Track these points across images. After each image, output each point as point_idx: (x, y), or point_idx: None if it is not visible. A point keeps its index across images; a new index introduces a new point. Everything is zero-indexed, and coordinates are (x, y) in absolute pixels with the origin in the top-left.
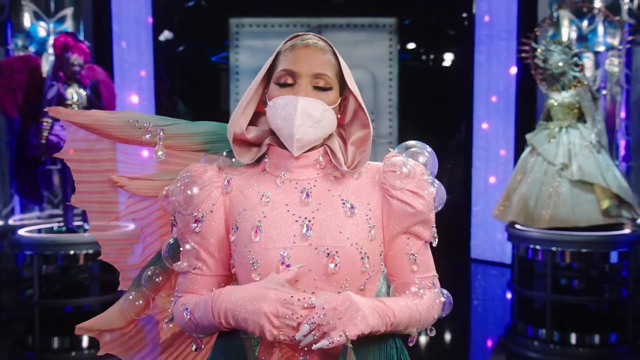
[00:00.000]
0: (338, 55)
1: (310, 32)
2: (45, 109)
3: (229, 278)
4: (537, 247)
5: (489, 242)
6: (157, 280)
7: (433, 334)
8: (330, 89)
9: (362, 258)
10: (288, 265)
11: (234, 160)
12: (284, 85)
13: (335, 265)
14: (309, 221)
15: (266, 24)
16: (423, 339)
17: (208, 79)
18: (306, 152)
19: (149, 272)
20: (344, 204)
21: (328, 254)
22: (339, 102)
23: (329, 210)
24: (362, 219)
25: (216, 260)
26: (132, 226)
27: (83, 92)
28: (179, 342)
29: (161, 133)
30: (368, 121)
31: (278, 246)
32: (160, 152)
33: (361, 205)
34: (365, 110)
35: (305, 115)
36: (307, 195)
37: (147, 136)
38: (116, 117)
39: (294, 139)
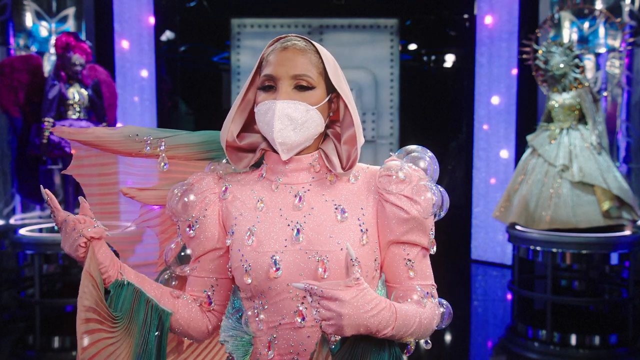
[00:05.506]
0: (321, 53)
1: (292, 34)
2: (50, 129)
3: (229, 281)
4: (538, 248)
5: (490, 243)
6: (173, 283)
7: (429, 347)
8: (312, 88)
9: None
10: (278, 269)
11: (233, 168)
12: (266, 90)
13: (325, 270)
14: (300, 225)
15: (267, 25)
16: (421, 340)
17: (209, 79)
18: (299, 155)
19: (165, 276)
20: (336, 208)
21: (318, 258)
22: (325, 100)
23: (320, 215)
24: (354, 224)
25: (210, 263)
26: (132, 227)
27: (84, 92)
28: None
29: (162, 145)
30: (352, 119)
31: (269, 250)
32: (162, 164)
33: (354, 210)
34: (351, 108)
35: (285, 119)
36: (300, 199)
37: (148, 149)
38: (116, 133)
39: (276, 143)
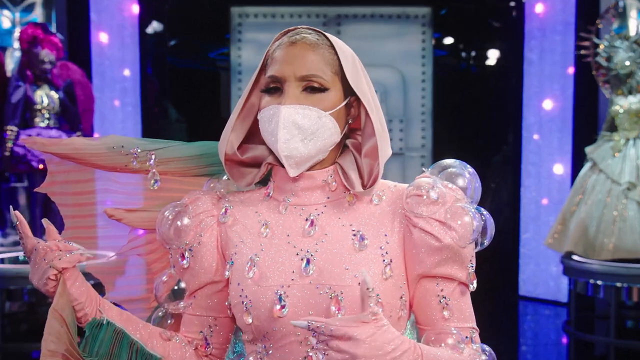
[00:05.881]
0: (337, 48)
1: (302, 26)
2: (21, 140)
3: (229, 320)
4: (599, 282)
5: (541, 276)
6: (169, 322)
7: None
8: (325, 90)
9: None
10: (283, 307)
11: (236, 185)
12: (271, 92)
13: (339, 308)
14: (311, 254)
15: (274, 14)
16: None
17: (205, 79)
18: (311, 171)
19: (159, 313)
20: (354, 235)
21: (331, 294)
22: (342, 105)
23: (335, 243)
24: (375, 254)
25: (208, 299)
26: (112, 257)
27: (55, 95)
28: None
29: (152, 159)
30: (373, 128)
31: (273, 284)
32: (152, 181)
33: (375, 237)
34: (372, 114)
35: (292, 127)
36: (312, 223)
37: (135, 163)
38: (98, 144)
39: (282, 156)
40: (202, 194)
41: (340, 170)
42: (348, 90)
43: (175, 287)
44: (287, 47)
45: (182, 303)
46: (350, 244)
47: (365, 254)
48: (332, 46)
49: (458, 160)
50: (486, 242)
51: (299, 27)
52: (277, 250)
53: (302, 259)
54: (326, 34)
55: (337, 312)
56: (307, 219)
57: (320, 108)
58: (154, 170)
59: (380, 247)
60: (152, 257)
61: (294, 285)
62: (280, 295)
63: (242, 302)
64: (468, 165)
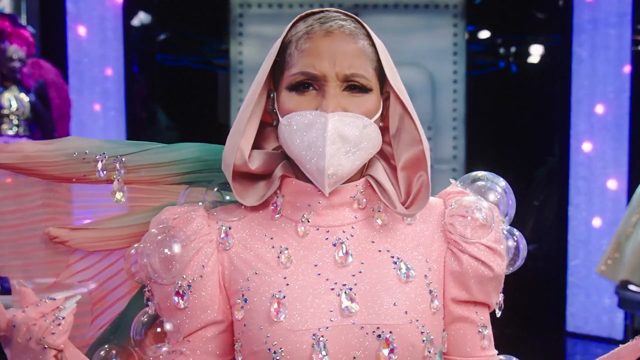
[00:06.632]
0: (374, 39)
1: (331, 9)
2: None
3: None
4: None
5: (592, 309)
6: None
7: None
8: (369, 91)
9: (424, 340)
10: (325, 354)
11: (227, 197)
12: (300, 91)
13: (392, 350)
14: (350, 289)
15: (281, 3)
16: None
17: (201, 79)
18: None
19: (102, 352)
20: (395, 262)
21: (379, 335)
22: (381, 108)
23: (375, 273)
24: (421, 285)
25: (209, 343)
26: (85, 289)
27: (25, 98)
28: None
29: (121, 167)
30: (418, 133)
31: (309, 327)
32: (120, 194)
33: (419, 264)
34: (414, 117)
35: (338, 140)
36: (347, 252)
37: (102, 173)
38: (54, 150)
39: (325, 174)
40: (192, 211)
41: (376, 185)
42: (381, 89)
43: (159, 329)
44: (323, 37)
45: (165, 347)
46: (393, 274)
47: (413, 286)
48: (369, 35)
49: (488, 172)
50: (517, 266)
51: (327, 10)
52: (306, 285)
53: (338, 295)
54: (359, 19)
55: (391, 354)
56: (335, 244)
57: (362, 112)
58: (118, 178)
59: (425, 276)
60: (94, 284)
61: (333, 327)
62: (320, 341)
63: (269, 350)
64: (500, 178)
